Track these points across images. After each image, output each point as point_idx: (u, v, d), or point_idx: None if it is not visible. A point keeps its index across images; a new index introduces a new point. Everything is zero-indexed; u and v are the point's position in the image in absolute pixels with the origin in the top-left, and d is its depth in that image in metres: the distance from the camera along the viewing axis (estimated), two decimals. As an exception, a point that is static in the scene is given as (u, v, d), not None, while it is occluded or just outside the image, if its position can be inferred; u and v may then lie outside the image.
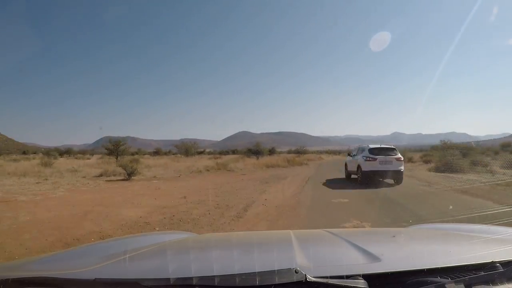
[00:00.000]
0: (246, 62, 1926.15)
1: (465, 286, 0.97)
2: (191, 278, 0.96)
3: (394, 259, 1.22)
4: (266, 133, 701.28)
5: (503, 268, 1.05)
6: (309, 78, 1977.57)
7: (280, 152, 59.47)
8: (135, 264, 1.27)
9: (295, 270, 0.94)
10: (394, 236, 1.66)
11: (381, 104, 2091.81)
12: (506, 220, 5.09)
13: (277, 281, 0.93)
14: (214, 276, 0.97)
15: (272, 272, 0.96)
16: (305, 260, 1.15)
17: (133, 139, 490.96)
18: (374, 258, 1.13)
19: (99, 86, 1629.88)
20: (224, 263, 1.29)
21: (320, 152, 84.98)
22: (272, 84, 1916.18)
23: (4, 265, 1.58)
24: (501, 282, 1.01)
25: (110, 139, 31.63)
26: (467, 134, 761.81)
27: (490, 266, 1.05)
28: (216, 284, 0.95)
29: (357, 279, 0.95)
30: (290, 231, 1.73)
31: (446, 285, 0.96)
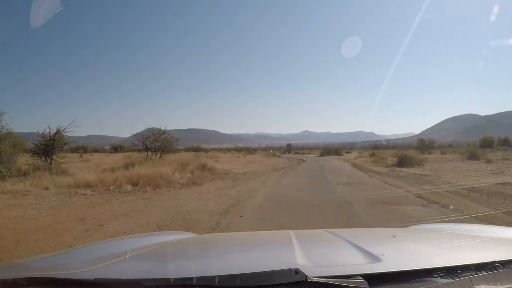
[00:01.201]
0: (158, 55, 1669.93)
1: (465, 286, 0.97)
2: (191, 278, 0.97)
3: (394, 259, 1.22)
4: (176, 129, 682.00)
5: (503, 268, 1.05)
6: (218, 76, 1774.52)
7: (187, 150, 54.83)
8: (135, 264, 1.28)
9: (295, 270, 0.94)
10: (394, 236, 1.67)
11: (292, 103, 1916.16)
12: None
13: (277, 281, 0.93)
14: (214, 276, 0.97)
15: (272, 272, 0.96)
16: (305, 260, 1.15)
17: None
18: (374, 258, 1.14)
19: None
20: (224, 263, 1.30)
21: (229, 150, 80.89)
22: (184, 79, 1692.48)
23: (4, 265, 1.60)
24: (502, 282, 1.01)
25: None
26: (374, 133, 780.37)
27: (491, 265, 1.06)
28: (216, 284, 0.95)
29: (358, 279, 0.95)
30: (290, 231, 1.73)
31: (447, 285, 0.96)
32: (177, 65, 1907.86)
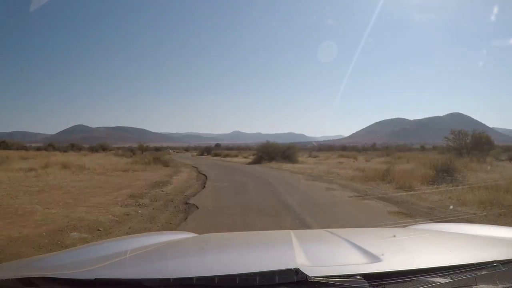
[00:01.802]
0: (87, 54, 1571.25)
1: (465, 286, 0.97)
2: (191, 278, 0.97)
3: (394, 259, 1.21)
4: (104, 127, 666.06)
5: (503, 268, 1.05)
6: (148, 71, 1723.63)
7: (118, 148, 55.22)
8: (135, 264, 1.28)
9: (295, 270, 0.94)
10: (394, 236, 1.65)
11: (222, 102, 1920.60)
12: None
13: (277, 281, 0.93)
14: (214, 276, 0.97)
15: (272, 272, 0.96)
16: (305, 260, 1.15)
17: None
18: (374, 258, 1.13)
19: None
20: (224, 263, 1.29)
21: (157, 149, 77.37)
22: (110, 75, 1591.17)
23: (5, 265, 1.57)
24: (502, 282, 1.01)
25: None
26: (305, 135, 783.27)
27: (491, 265, 1.05)
28: (216, 284, 0.95)
29: (358, 279, 0.95)
30: (290, 231, 1.73)
31: (447, 285, 0.96)
32: (109, 60, 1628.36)
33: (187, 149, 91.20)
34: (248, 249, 1.63)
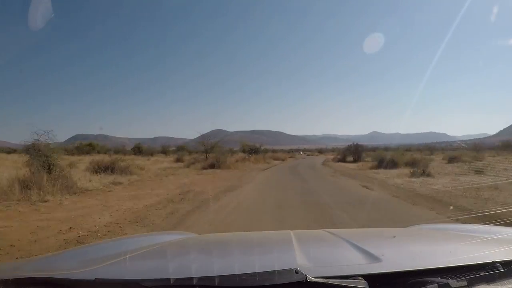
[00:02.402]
0: (220, 59, 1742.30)
1: (465, 286, 0.97)
2: (191, 279, 0.97)
3: (394, 259, 1.21)
4: (241, 131, 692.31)
5: (503, 268, 1.05)
6: (288, 76, 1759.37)
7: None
8: (135, 264, 1.28)
9: (295, 271, 0.94)
10: (394, 236, 1.65)
11: (360, 103, 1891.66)
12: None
13: (277, 281, 0.93)
14: (214, 276, 0.97)
15: (272, 273, 0.96)
16: (305, 261, 1.15)
17: (105, 137, 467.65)
18: (374, 258, 1.13)
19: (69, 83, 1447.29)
20: (224, 263, 1.29)
21: (292, 151, 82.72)
22: (248, 81, 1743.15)
23: (4, 265, 1.56)
24: (502, 282, 1.01)
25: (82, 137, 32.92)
26: (446, 134, 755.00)
27: (491, 266, 1.05)
28: (216, 284, 0.95)
29: (358, 279, 0.95)
30: (290, 231, 1.72)
31: (447, 285, 0.96)
32: (245, 68, 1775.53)
33: (320, 151, 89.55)
34: (248, 249, 1.62)
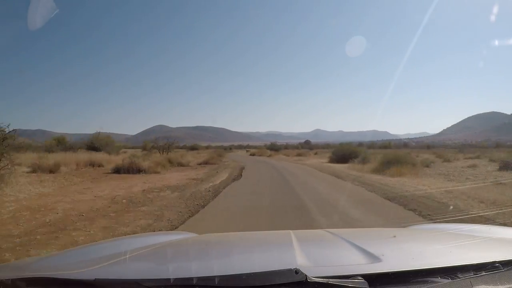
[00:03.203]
0: (165, 55, 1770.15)
1: (465, 286, 0.98)
2: (191, 278, 0.98)
3: (394, 259, 1.23)
4: (184, 127, 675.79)
5: (503, 268, 1.06)
6: (230, 73, 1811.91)
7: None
8: (135, 264, 1.29)
9: (295, 270, 0.95)
10: (394, 236, 1.67)
11: (304, 101, 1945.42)
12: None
13: (277, 281, 0.94)
14: (214, 276, 0.98)
15: (272, 272, 0.97)
16: (305, 260, 1.16)
17: (43, 132, 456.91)
18: (374, 258, 1.15)
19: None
20: (224, 263, 1.31)
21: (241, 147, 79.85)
22: (191, 78, 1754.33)
23: (5, 265, 1.59)
24: (502, 282, 1.02)
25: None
26: (388, 133, 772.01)
27: (491, 266, 1.07)
28: (216, 284, 0.96)
29: (358, 279, 0.96)
30: (290, 231, 1.74)
31: (447, 285, 0.97)
32: (186, 69, 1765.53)
33: (274, 148, 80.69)
34: (248, 249, 1.65)
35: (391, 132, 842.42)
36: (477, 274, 1.05)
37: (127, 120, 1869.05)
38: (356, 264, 1.14)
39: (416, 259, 1.23)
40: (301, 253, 1.27)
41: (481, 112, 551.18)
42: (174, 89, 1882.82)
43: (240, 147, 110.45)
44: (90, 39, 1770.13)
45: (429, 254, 1.36)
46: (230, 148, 73.62)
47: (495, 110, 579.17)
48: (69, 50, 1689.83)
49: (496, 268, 1.07)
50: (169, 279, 0.99)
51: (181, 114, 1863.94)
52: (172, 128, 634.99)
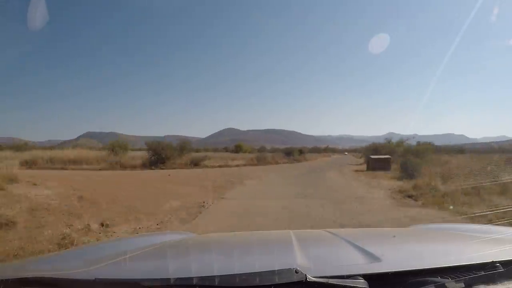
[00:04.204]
0: (234, 59, 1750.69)
1: (465, 286, 0.98)
2: (191, 278, 0.98)
3: (394, 259, 1.23)
4: (253, 130, 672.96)
5: (503, 268, 1.06)
6: (302, 76, 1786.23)
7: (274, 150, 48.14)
8: (135, 264, 1.29)
9: (295, 270, 0.95)
10: (394, 236, 1.67)
11: (375, 104, 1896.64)
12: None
13: (277, 281, 0.94)
14: (214, 276, 0.98)
15: (272, 272, 0.97)
16: (305, 260, 1.16)
17: (116, 135, 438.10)
18: (374, 258, 1.14)
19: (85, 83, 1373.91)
20: (224, 263, 1.30)
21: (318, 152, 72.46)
22: (261, 80, 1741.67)
23: (4, 265, 1.57)
24: (501, 282, 1.02)
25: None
26: (465, 136, 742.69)
27: (491, 266, 1.06)
28: (216, 284, 0.96)
29: (357, 279, 0.96)
30: (290, 231, 1.74)
31: (447, 285, 0.97)
32: (257, 72, 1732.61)
33: (334, 151, 76.27)
34: (248, 249, 1.64)
35: (468, 136, 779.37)
36: (476, 274, 1.04)
37: (196, 123, 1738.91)
38: (356, 264, 1.14)
39: (416, 259, 1.24)
40: (301, 253, 1.27)
41: None
42: (244, 92, 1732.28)
43: (315, 150, 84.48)
44: (161, 44, 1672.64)
45: (429, 254, 1.36)
46: (300, 152, 44.44)
47: None
48: (138, 56, 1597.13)
49: (496, 268, 1.06)
50: (169, 279, 0.99)
51: (252, 117, 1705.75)
52: (241, 131, 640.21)
